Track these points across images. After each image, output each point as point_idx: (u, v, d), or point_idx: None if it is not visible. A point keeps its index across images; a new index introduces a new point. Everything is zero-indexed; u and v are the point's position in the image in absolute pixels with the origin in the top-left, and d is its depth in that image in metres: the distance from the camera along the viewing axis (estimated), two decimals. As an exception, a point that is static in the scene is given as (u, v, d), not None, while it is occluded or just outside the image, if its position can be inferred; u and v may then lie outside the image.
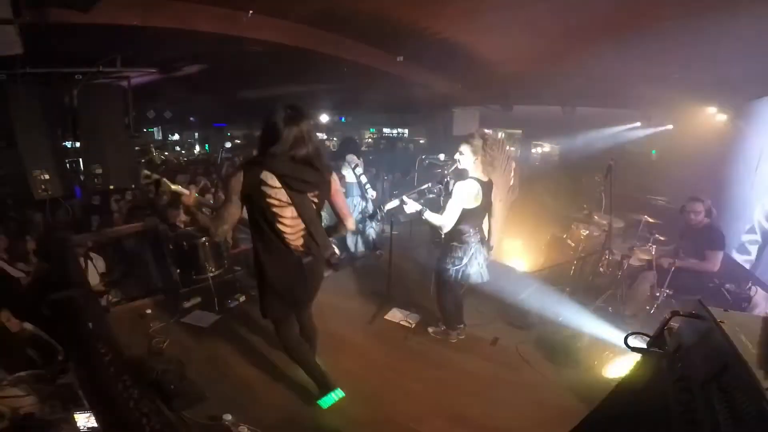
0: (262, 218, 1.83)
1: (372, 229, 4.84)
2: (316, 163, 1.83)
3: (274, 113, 1.77)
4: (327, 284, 3.27)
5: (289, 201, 1.81)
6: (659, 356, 1.28)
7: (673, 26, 3.23)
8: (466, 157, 2.58)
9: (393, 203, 2.77)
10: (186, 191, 2.05)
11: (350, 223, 2.14)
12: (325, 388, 2.31)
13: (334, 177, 2.01)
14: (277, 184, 1.77)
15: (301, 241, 1.91)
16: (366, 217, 4.37)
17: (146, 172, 2.15)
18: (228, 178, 1.90)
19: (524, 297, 3.64)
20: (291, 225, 1.85)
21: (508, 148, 2.88)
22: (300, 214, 1.85)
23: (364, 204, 4.55)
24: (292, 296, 2.04)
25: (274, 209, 1.81)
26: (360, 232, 4.69)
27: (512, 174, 4.75)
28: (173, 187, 2.14)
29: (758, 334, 1.00)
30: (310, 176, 1.83)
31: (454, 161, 2.64)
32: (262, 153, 1.80)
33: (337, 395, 2.31)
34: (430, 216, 2.63)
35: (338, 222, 2.14)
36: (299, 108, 1.81)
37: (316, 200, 1.91)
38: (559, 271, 4.11)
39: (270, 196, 1.78)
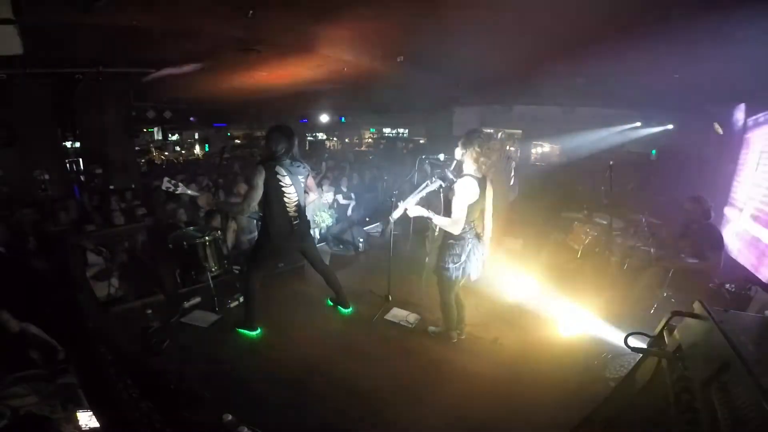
0: (275, 196, 2.78)
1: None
2: (300, 160, 2.90)
3: (275, 131, 2.76)
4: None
5: (291, 182, 2.81)
6: (659, 356, 1.28)
7: (674, 26, 3.22)
8: (459, 155, 2.60)
9: (398, 212, 2.78)
10: (198, 194, 3.02)
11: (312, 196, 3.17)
12: (250, 326, 3.03)
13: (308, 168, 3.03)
14: (284, 173, 2.77)
15: (294, 208, 2.88)
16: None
17: (168, 183, 2.80)
18: (253, 175, 2.75)
19: (524, 297, 3.64)
20: (290, 198, 2.84)
21: (508, 147, 2.88)
22: (296, 191, 2.85)
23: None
24: (287, 245, 3.00)
25: (283, 189, 2.79)
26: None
27: (512, 174, 4.79)
28: (190, 192, 2.92)
29: (758, 334, 1.00)
30: (299, 168, 2.87)
31: (454, 160, 2.65)
32: (271, 156, 2.74)
33: (252, 335, 3.04)
34: (438, 220, 2.61)
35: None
36: (289, 126, 2.83)
37: (303, 181, 2.93)
38: (559, 270, 4.12)
39: (281, 182, 2.77)
